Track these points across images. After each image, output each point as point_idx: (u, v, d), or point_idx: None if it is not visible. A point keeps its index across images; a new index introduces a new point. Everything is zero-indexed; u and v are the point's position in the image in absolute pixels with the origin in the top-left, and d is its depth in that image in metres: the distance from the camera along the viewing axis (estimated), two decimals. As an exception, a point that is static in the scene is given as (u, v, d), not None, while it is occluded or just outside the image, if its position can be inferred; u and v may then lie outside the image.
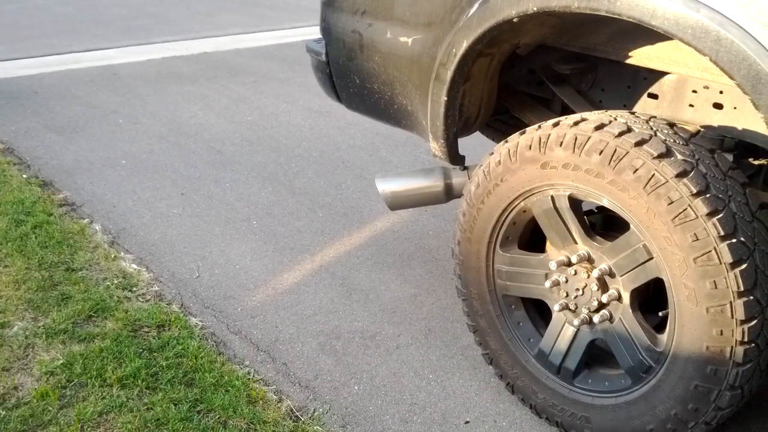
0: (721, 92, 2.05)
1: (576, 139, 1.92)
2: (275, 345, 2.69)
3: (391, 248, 3.39)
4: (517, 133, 2.13)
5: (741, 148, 2.15)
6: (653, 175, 1.79)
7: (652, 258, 1.89)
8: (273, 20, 8.44)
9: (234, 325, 2.81)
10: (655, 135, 1.86)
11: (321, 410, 2.37)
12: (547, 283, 2.17)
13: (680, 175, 1.77)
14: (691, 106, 2.14)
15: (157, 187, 3.98)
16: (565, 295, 2.14)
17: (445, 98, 2.30)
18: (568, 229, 2.09)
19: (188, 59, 6.69)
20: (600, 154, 1.87)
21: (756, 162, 2.22)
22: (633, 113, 2.01)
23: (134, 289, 2.98)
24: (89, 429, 2.21)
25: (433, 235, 3.52)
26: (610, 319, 2.07)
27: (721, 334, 1.78)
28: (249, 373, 2.51)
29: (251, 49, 7.14)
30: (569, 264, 2.11)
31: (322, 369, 2.57)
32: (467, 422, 2.33)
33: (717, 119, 2.08)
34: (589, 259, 2.07)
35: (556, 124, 2.02)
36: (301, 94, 5.59)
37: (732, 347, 1.79)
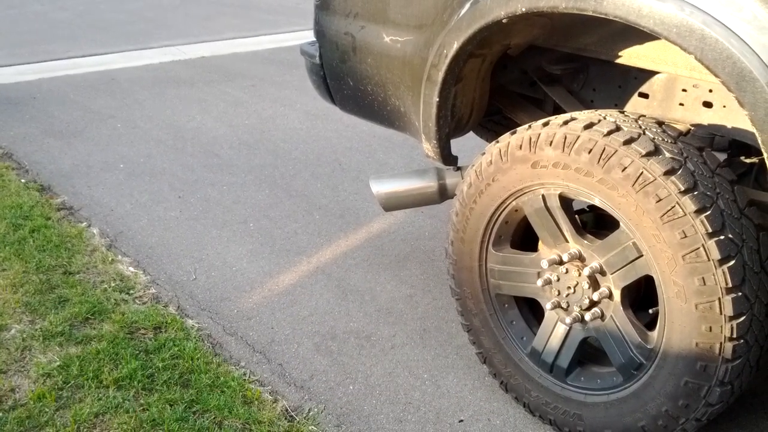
0: (710, 91, 2.06)
1: (565, 138, 1.94)
2: (271, 346, 2.71)
3: (387, 249, 3.40)
4: (508, 133, 2.15)
5: (734, 147, 2.16)
6: (641, 173, 1.80)
7: (641, 255, 1.91)
8: (270, 24, 8.46)
9: (230, 326, 2.82)
10: (644, 133, 1.88)
11: (316, 410, 2.38)
12: (539, 282, 2.18)
13: (668, 173, 1.78)
14: (681, 104, 2.16)
15: (155, 191, 4.00)
16: (557, 293, 2.16)
17: (437, 99, 2.32)
18: (560, 228, 2.11)
19: (186, 63, 6.72)
20: (589, 152, 1.89)
21: (747, 160, 2.24)
22: (622, 112, 2.03)
23: (131, 291, 3.00)
24: (85, 430, 2.23)
25: (429, 236, 3.53)
26: (602, 316, 2.08)
27: (710, 330, 1.80)
28: (245, 374, 2.53)
29: (249, 53, 7.16)
30: (561, 262, 2.12)
31: (317, 369, 2.58)
32: (461, 421, 2.34)
33: (707, 118, 2.10)
34: (581, 258, 2.08)
35: (545, 124, 2.04)
36: (299, 98, 5.61)
37: (721, 343, 1.80)
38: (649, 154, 1.81)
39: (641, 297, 2.12)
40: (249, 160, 4.42)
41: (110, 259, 3.23)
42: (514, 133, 2.11)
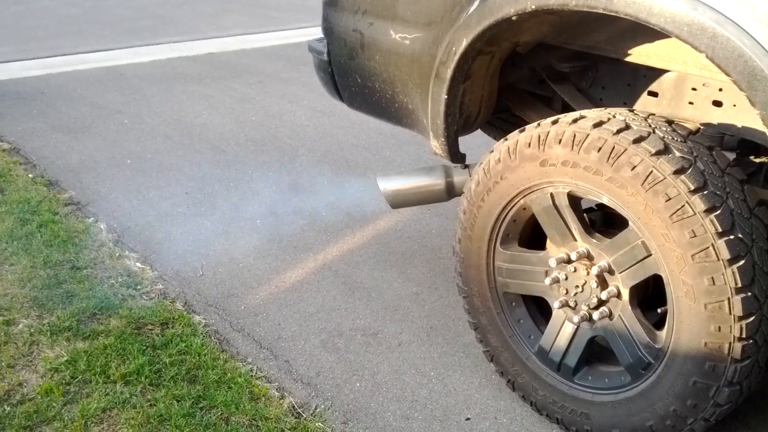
0: (720, 90, 2.05)
1: (575, 136, 1.93)
2: (278, 342, 2.71)
3: (394, 247, 3.40)
4: (517, 130, 2.14)
5: (743, 146, 2.15)
6: (651, 171, 1.80)
7: (650, 255, 1.90)
8: (278, 21, 8.46)
9: (237, 322, 2.82)
10: (654, 132, 1.87)
11: (323, 407, 2.38)
12: (547, 281, 2.17)
13: (678, 171, 1.78)
14: (690, 103, 2.14)
15: (162, 187, 4.00)
16: (564, 292, 2.15)
17: (445, 97, 2.31)
18: (568, 227, 2.10)
19: (193, 60, 6.72)
20: (598, 151, 1.88)
21: (757, 160, 2.23)
22: (632, 111, 2.02)
23: (138, 287, 3.00)
24: (93, 425, 2.24)
25: (436, 233, 3.53)
26: (610, 316, 2.07)
27: (719, 330, 1.79)
28: (251, 370, 2.53)
29: (256, 49, 7.16)
30: (569, 261, 2.12)
31: (324, 366, 2.58)
32: (468, 419, 2.34)
33: (716, 117, 2.08)
34: (589, 256, 2.08)
35: (555, 122, 2.03)
36: (306, 94, 5.61)
37: (730, 343, 1.79)
38: (658, 153, 1.80)
39: (650, 296, 2.11)
40: (256, 157, 4.43)
41: (117, 254, 3.24)
42: (523, 131, 2.11)
